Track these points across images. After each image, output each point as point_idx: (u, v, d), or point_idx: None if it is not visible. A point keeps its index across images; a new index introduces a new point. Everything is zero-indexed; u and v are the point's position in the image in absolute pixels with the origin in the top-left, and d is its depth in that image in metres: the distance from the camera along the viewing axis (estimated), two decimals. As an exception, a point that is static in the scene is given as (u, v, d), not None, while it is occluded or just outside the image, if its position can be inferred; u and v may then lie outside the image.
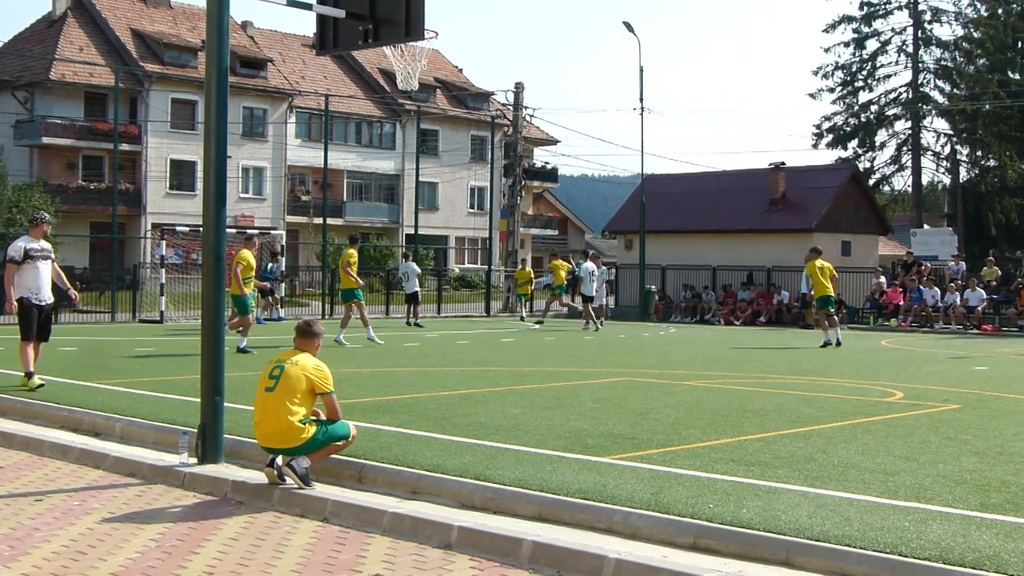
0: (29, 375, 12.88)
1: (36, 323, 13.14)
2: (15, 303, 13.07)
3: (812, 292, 24.22)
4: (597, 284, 31.50)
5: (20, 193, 44.39)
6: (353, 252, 22.15)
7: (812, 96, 67.27)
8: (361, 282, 22.35)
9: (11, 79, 53.65)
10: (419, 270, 31.63)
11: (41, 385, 12.69)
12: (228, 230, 9.41)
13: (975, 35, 62.42)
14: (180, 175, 57.49)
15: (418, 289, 31.03)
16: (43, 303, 13.24)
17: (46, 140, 53.15)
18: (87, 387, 13.01)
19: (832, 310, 23.77)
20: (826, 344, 22.92)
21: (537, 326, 30.19)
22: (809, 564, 6.04)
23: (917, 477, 8.03)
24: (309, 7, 10.36)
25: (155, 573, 6.12)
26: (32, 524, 7.20)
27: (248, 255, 19.77)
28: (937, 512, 6.86)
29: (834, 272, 23.82)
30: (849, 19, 65.35)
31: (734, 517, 6.64)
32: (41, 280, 13.23)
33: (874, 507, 6.96)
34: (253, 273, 19.92)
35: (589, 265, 30.44)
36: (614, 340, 25.23)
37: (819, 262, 23.44)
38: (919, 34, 64.80)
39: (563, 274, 32.57)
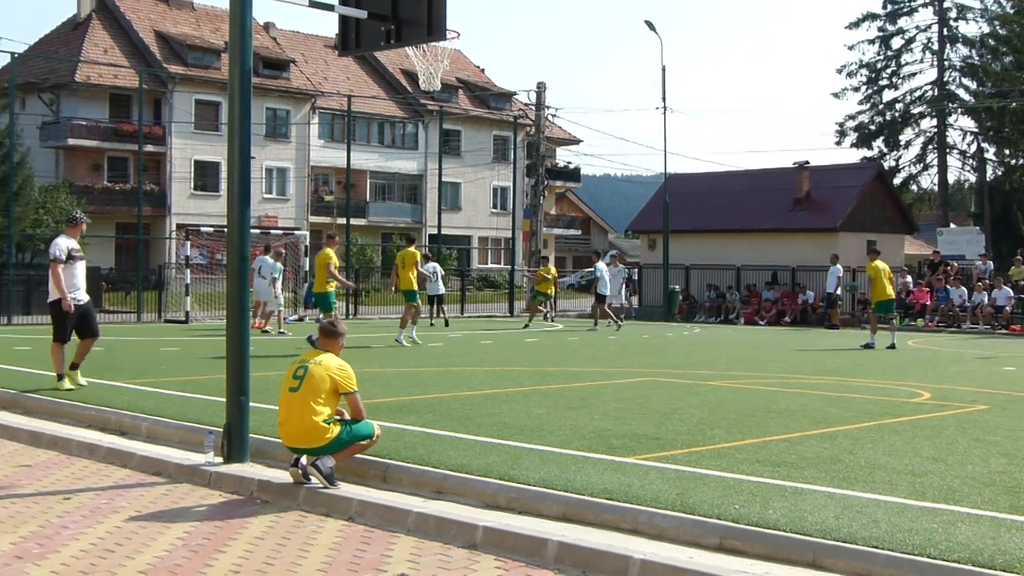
0: (60, 377, 12.86)
1: (72, 324, 13.12)
2: (70, 301, 12.93)
3: (853, 293, 24.03)
4: (614, 284, 31.45)
5: (46, 194, 44.64)
6: (416, 252, 22.16)
7: (836, 96, 67.11)
8: (427, 278, 22.20)
9: (37, 81, 54.00)
10: (442, 271, 31.72)
11: (71, 388, 12.68)
12: (252, 231, 9.42)
13: (1001, 32, 62.04)
14: (204, 176, 57.78)
15: (443, 290, 31.15)
16: (80, 302, 13.18)
17: (71, 142, 53.50)
18: (114, 387, 13.06)
19: (893, 315, 23.55)
20: (868, 346, 22.55)
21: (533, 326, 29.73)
22: (836, 566, 6.00)
23: (945, 478, 7.97)
24: (331, 8, 10.37)
25: (181, 572, 6.14)
26: (60, 522, 7.24)
27: (332, 253, 20.04)
28: (966, 514, 6.80)
29: (891, 273, 23.43)
30: (873, 16, 65.10)
31: (760, 518, 6.61)
32: (79, 279, 13.18)
33: (902, 508, 6.92)
34: (336, 271, 20.21)
35: (600, 265, 30.53)
36: (638, 340, 25.18)
37: (880, 263, 22.99)
38: (944, 31, 64.48)
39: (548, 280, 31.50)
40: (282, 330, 24.72)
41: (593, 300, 31.32)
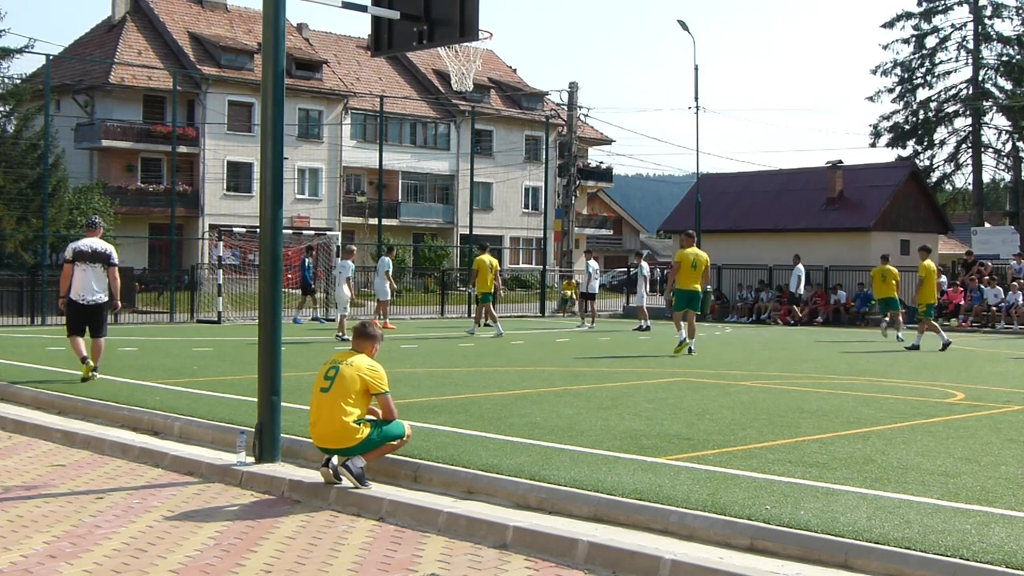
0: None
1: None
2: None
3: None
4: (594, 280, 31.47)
5: (80, 195, 45.00)
6: (688, 253, 20.06)
7: (871, 99, 66.82)
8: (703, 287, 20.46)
9: (72, 83, 54.40)
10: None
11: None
12: (284, 231, 9.46)
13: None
14: (237, 177, 58.04)
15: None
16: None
17: (105, 143, 53.87)
18: (147, 386, 13.15)
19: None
20: (946, 345, 22.02)
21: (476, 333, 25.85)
22: (868, 567, 5.97)
23: (979, 479, 7.91)
24: (364, 9, 10.40)
25: (213, 571, 6.17)
26: (93, 521, 7.29)
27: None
28: (1000, 515, 6.75)
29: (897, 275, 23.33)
30: (908, 15, 64.67)
31: (792, 519, 6.58)
32: None
33: (934, 509, 6.87)
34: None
35: (593, 263, 31.28)
36: (670, 340, 25.08)
37: (931, 263, 22.84)
38: (979, 29, 63.95)
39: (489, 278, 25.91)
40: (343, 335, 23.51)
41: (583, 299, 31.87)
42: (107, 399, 11.99)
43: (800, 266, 34.03)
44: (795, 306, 34.85)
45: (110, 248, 14.21)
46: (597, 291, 31.06)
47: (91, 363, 13.63)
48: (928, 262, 22.73)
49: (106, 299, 14.06)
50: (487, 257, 25.64)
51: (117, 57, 54.36)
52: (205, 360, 17.68)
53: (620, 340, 24.74)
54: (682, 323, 19.94)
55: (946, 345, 22.11)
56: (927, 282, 22.52)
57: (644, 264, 31.33)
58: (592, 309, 31.03)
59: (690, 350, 19.61)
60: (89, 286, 13.89)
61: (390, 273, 26.69)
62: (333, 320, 29.17)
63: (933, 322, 22.93)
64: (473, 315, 29.11)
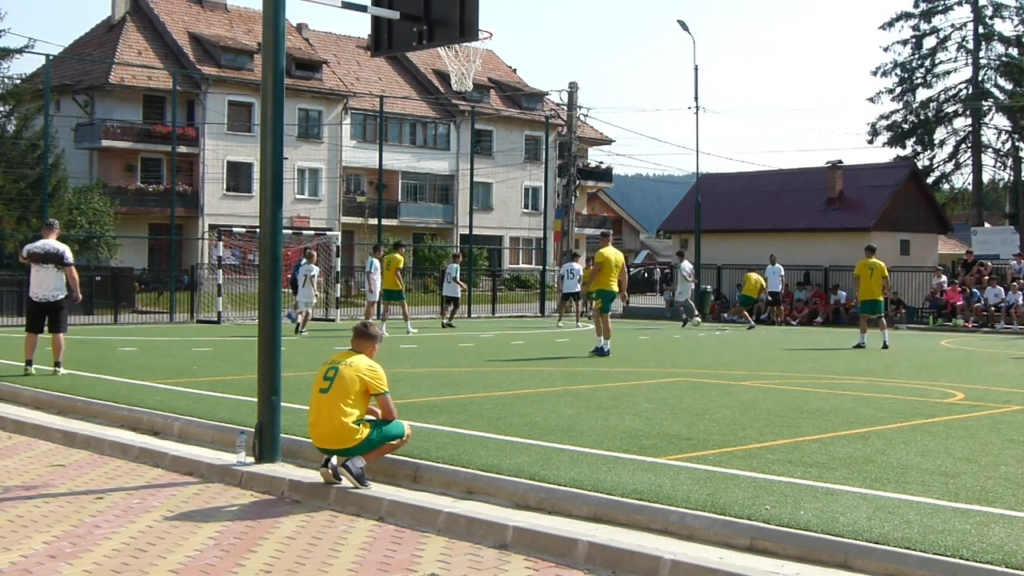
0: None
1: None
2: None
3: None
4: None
5: (80, 195, 44.98)
6: (609, 253, 19.62)
7: (872, 100, 66.88)
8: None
9: (72, 83, 54.37)
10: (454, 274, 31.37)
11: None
12: (284, 231, 9.46)
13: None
14: (237, 177, 58.00)
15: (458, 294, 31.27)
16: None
17: (105, 143, 53.85)
18: (146, 386, 13.15)
19: (880, 314, 23.31)
20: (859, 346, 22.50)
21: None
22: (868, 567, 5.97)
23: (979, 479, 7.91)
24: (364, 9, 10.40)
25: (213, 571, 6.17)
26: (93, 522, 7.30)
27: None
28: (1000, 515, 6.75)
29: (886, 272, 23.16)
30: (907, 15, 64.64)
31: (791, 519, 6.58)
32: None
33: (934, 509, 6.87)
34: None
35: (567, 265, 32.21)
36: (669, 340, 25.11)
37: (874, 260, 22.82)
38: (979, 29, 63.92)
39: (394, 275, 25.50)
40: (303, 331, 24.52)
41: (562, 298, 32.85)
42: (107, 399, 12.00)
43: (778, 265, 34.45)
44: (777, 306, 35.20)
45: (63, 248, 14.93)
46: (576, 289, 31.21)
47: (50, 364, 14.64)
48: (872, 260, 22.81)
49: (63, 296, 14.87)
50: (393, 255, 25.68)
51: (117, 57, 54.35)
52: (205, 360, 17.68)
53: (620, 340, 24.71)
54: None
55: (859, 346, 22.50)
56: (861, 280, 22.84)
57: (686, 263, 32.61)
58: (574, 308, 31.91)
59: (606, 351, 19.26)
60: (43, 285, 14.79)
61: (379, 272, 26.46)
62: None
63: (864, 319, 23.38)
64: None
